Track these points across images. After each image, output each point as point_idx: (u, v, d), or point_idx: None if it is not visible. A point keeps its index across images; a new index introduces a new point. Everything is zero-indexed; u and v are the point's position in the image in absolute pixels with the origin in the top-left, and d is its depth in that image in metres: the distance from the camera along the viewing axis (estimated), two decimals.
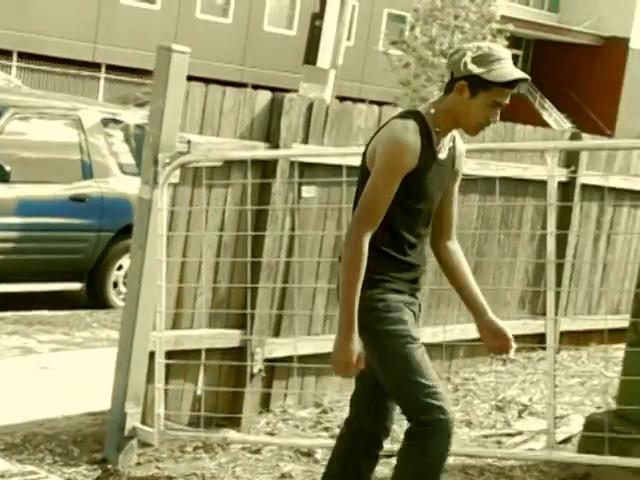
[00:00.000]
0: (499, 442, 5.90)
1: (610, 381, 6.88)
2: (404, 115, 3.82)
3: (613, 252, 8.53)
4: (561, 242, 7.52)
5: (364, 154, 3.87)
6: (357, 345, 3.67)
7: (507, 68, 3.71)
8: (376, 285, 3.77)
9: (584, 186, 7.82)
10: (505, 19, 27.84)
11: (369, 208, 3.69)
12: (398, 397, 3.83)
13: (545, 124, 30.85)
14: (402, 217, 3.78)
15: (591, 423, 5.28)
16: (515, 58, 37.03)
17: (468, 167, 6.67)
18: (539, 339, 6.92)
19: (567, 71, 36.41)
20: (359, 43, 31.37)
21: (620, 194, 8.31)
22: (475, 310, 4.01)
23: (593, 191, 8.01)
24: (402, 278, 3.81)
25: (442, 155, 3.84)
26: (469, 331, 7.04)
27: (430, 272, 6.85)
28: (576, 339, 8.14)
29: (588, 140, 7.88)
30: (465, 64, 3.71)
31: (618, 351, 6.82)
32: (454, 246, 4.05)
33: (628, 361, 5.28)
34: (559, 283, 7.44)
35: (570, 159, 7.68)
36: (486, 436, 5.99)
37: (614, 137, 28.28)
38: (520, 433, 6.01)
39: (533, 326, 7.43)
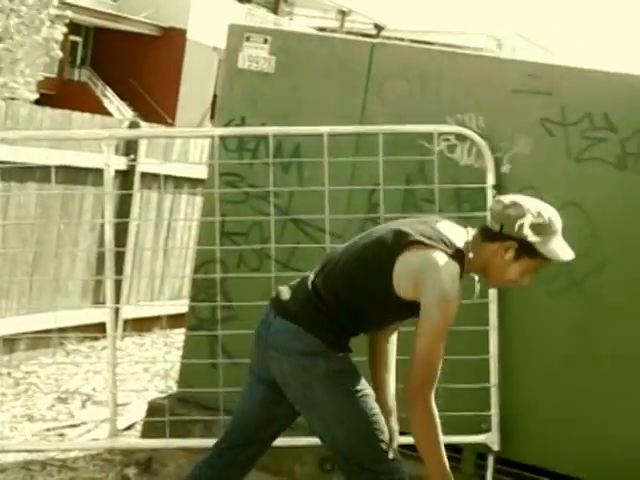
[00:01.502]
0: (62, 434, 5.83)
1: (172, 365, 7.02)
2: (450, 252, 3.48)
3: (174, 239, 8.72)
4: (122, 230, 7.58)
5: (381, 252, 3.54)
6: None
7: (561, 244, 3.51)
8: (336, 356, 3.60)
9: (144, 174, 7.92)
10: (64, 5, 27.44)
11: (430, 369, 3.42)
12: (355, 447, 3.63)
13: (107, 112, 30.82)
14: (381, 316, 3.64)
15: (153, 408, 5.37)
16: (75, 45, 36.71)
17: (26, 155, 6.54)
18: (102, 328, 6.90)
19: (129, 60, 36.57)
20: None
21: (179, 181, 8.51)
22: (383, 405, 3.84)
23: (153, 179, 8.14)
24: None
25: None
26: (30, 323, 6.91)
27: None
28: (140, 326, 8.24)
29: (145, 129, 7.96)
30: (521, 227, 3.44)
31: (179, 335, 6.98)
32: (393, 337, 3.92)
33: (187, 345, 5.42)
34: (120, 271, 7.48)
35: (130, 147, 7.75)
36: (48, 429, 5.89)
37: (174, 126, 28.95)
38: (84, 423, 5.99)
39: (96, 315, 7.40)
